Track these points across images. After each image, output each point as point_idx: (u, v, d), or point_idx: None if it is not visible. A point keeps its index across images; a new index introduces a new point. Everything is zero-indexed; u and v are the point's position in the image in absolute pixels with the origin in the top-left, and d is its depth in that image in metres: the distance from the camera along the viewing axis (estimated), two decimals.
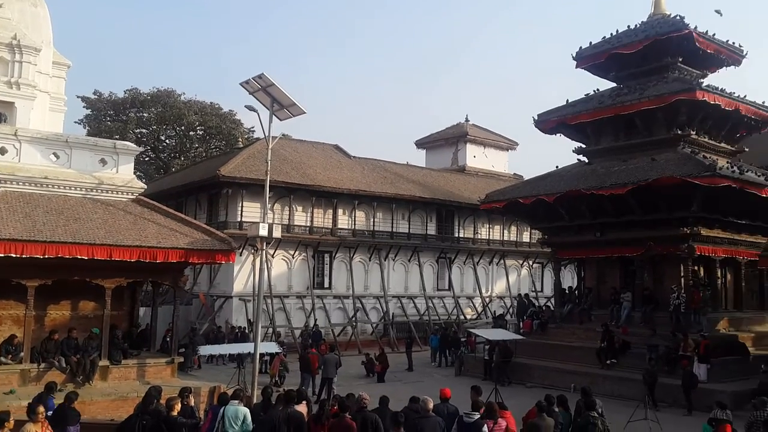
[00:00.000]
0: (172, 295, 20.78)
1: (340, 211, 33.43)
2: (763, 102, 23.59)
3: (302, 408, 10.43)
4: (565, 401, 11.43)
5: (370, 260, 34.51)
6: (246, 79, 15.48)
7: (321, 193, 32.24)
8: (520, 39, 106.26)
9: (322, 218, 32.90)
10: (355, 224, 33.99)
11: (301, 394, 11.33)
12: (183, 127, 52.17)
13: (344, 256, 33.65)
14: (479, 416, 9.20)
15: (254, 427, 10.09)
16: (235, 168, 29.96)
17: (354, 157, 37.89)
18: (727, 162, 22.11)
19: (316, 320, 30.41)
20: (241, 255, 28.76)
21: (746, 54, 25.20)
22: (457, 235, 38.37)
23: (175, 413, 9.65)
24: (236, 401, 10.38)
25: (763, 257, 19.56)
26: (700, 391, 17.65)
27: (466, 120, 49.30)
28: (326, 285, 33.25)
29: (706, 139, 23.62)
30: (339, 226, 33.32)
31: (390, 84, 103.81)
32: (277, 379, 21.21)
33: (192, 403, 11.33)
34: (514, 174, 47.80)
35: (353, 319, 32.52)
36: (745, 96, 22.91)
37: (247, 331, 27.25)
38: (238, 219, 30.00)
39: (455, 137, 48.07)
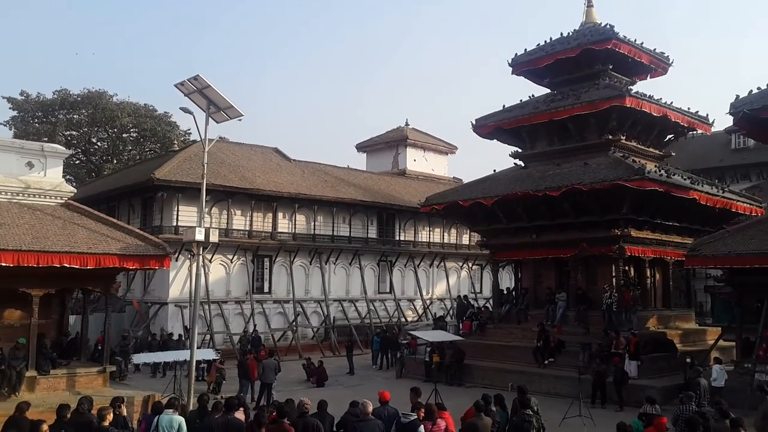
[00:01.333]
0: (103, 303, 20.08)
1: (280, 215, 33.07)
2: (689, 108, 24.71)
3: (240, 415, 10.27)
4: (502, 400, 11.64)
5: (311, 264, 34.30)
6: (181, 81, 15.13)
7: (260, 197, 31.82)
8: (460, 44, 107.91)
9: (261, 222, 32.47)
10: (295, 228, 33.71)
11: (239, 400, 11.15)
12: (116, 129, 50.53)
13: (284, 261, 33.32)
14: (416, 417, 9.29)
15: None
16: (170, 171, 29.24)
17: (294, 160, 37.60)
18: (656, 166, 23.03)
19: (255, 326, 29.99)
20: (177, 260, 28.08)
21: (672, 62, 26.38)
22: (398, 238, 38.56)
23: (107, 424, 9.33)
24: (171, 410, 10.09)
25: (689, 257, 20.40)
26: (631, 387, 18.32)
27: (406, 124, 49.68)
28: (266, 290, 32.82)
29: (635, 144, 24.52)
30: (279, 230, 32.96)
31: (331, 87, 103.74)
32: (214, 386, 20.82)
33: (125, 413, 10.99)
34: (454, 177, 48.41)
35: (294, 323, 32.23)
36: (671, 102, 23.95)
37: (184, 338, 26.58)
38: (174, 223, 29.26)
39: (395, 141, 48.35)
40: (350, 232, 35.80)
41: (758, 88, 19.39)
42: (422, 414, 9.46)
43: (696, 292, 31.45)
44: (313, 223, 34.39)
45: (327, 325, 33.69)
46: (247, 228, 31.83)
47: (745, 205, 24.45)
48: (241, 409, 10.64)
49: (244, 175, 32.26)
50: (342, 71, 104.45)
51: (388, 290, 37.72)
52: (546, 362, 21.46)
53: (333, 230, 34.97)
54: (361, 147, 50.81)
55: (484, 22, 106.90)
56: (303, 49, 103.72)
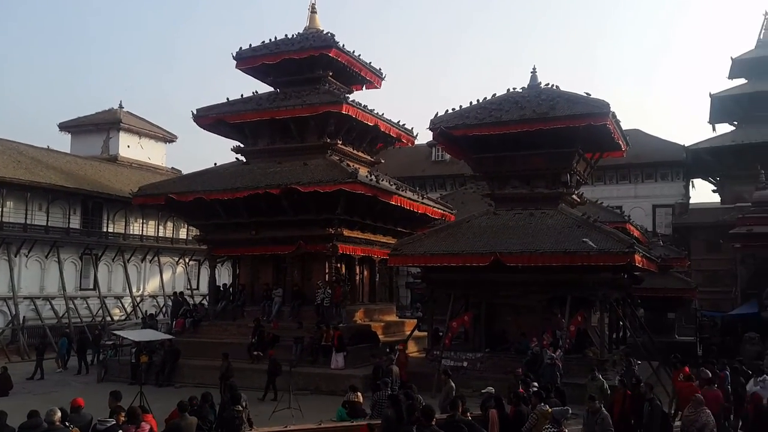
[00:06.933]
0: None
1: None
2: (398, 121, 27.09)
3: None
4: (211, 398, 11.42)
5: None
6: None
7: None
8: (185, 29, 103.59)
9: None
10: None
11: None
12: None
13: None
14: (114, 422, 8.62)
15: None
16: None
17: None
18: (368, 171, 24.79)
19: None
20: None
21: (385, 77, 28.60)
22: (105, 229, 35.50)
23: None
24: None
25: (392, 256, 22.39)
26: (337, 377, 19.53)
27: (120, 106, 45.90)
28: None
29: (350, 149, 26.08)
30: None
31: (31, 54, 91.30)
32: None
33: None
34: (173, 168, 46.32)
35: None
36: (383, 113, 25.99)
37: None
38: None
39: (107, 124, 44.41)
40: (48, 221, 31.88)
41: (453, 109, 22.08)
42: (122, 418, 8.80)
43: (398, 287, 34.61)
44: (0, 210, 29.88)
45: (15, 326, 29.57)
46: None
47: (440, 210, 27.61)
48: None
49: None
50: (45, 38, 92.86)
51: (92, 286, 34.51)
52: (257, 355, 21.65)
53: (26, 218, 30.79)
54: (65, 126, 45.57)
55: (211, 8, 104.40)
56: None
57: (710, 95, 37.50)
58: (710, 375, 13.42)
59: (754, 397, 12.88)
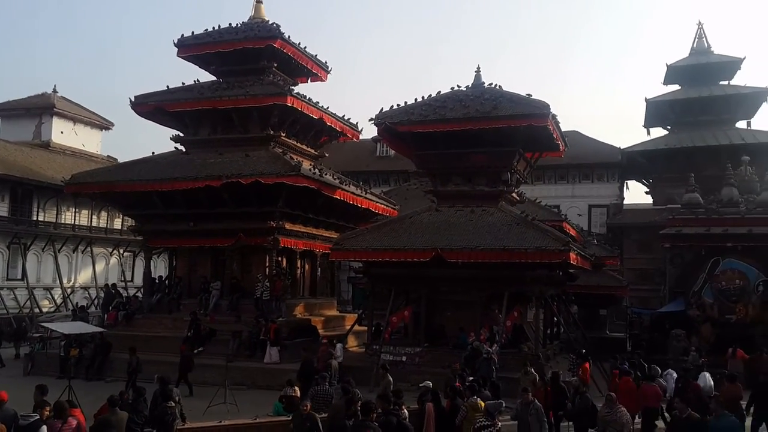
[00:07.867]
0: None
1: None
2: (343, 115, 26.91)
3: None
4: (144, 392, 11.16)
5: None
6: None
7: None
8: (125, 13, 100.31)
9: None
10: None
11: None
12: None
13: None
14: (38, 417, 8.30)
15: None
16: None
17: None
18: (311, 164, 24.61)
19: None
20: None
21: (331, 70, 28.41)
22: (35, 218, 34.14)
23: None
24: None
25: (334, 250, 22.32)
26: (274, 371, 19.34)
27: (54, 91, 44.04)
28: None
29: (294, 142, 25.80)
30: None
31: None
32: None
33: None
34: (108, 156, 44.87)
35: None
36: (328, 107, 25.77)
37: None
38: None
39: (39, 108, 42.59)
40: None
41: (398, 105, 22.14)
42: (47, 413, 8.48)
43: (340, 282, 34.51)
44: None
45: None
46: None
47: (382, 206, 27.65)
48: None
49: None
50: None
51: (20, 277, 33.14)
52: (196, 351, 21.22)
53: None
54: None
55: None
56: None
57: (646, 100, 38.83)
58: (660, 371, 14.05)
59: (694, 386, 13.68)
